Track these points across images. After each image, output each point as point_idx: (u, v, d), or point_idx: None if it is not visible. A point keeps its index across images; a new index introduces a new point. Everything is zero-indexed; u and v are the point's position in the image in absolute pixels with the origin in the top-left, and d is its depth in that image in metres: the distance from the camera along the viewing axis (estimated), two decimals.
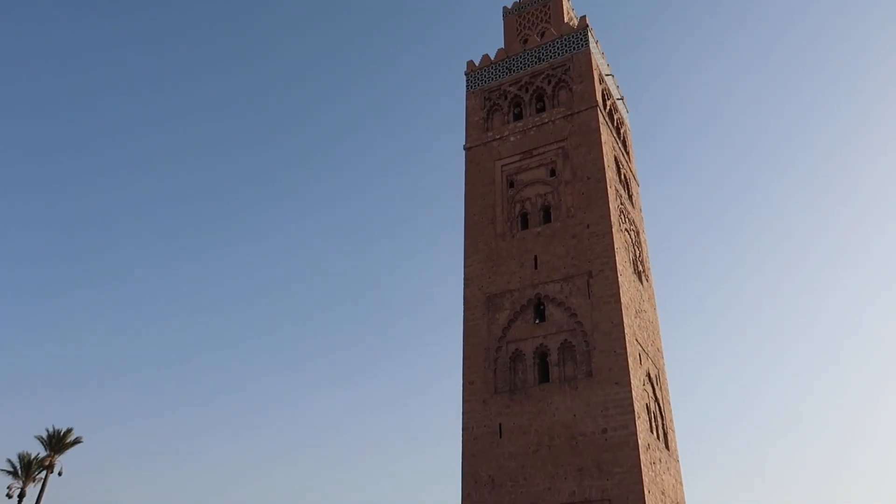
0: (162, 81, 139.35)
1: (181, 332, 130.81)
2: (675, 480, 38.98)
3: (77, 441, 51.14)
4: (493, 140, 46.18)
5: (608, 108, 47.02)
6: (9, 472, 48.86)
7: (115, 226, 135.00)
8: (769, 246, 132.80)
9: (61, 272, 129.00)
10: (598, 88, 45.24)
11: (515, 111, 47.02)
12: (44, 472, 49.35)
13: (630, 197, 46.22)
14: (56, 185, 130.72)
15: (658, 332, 43.95)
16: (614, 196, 41.79)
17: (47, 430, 50.56)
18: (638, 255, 43.98)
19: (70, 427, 52.03)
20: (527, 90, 46.95)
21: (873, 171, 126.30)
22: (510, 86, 47.81)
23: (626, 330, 36.70)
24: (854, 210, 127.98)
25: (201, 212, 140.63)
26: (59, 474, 49.25)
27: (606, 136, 43.98)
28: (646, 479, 33.24)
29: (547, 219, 41.83)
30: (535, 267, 40.36)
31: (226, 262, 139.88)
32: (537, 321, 39.18)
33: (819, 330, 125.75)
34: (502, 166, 44.95)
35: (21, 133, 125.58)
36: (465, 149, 47.23)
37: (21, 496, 48.07)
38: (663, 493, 35.83)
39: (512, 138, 45.57)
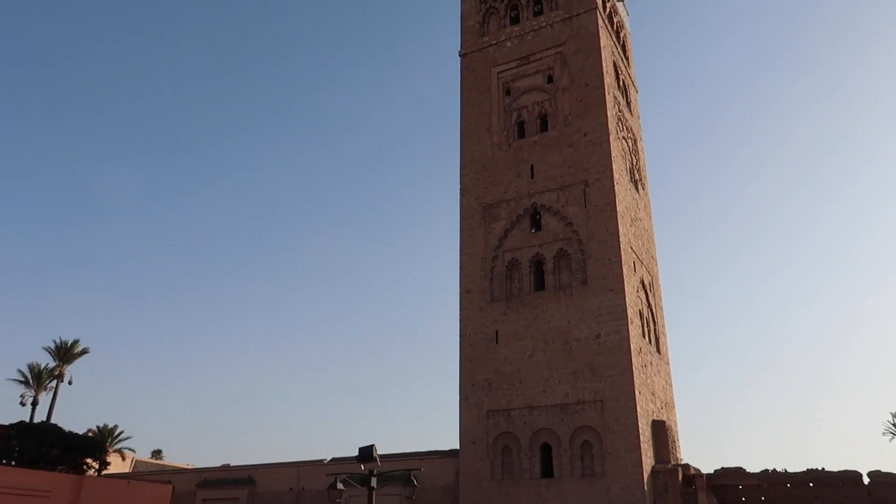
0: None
1: (183, 251, 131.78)
2: (665, 382, 40.42)
3: (84, 352, 52.50)
4: (490, 46, 44.89)
5: (608, 10, 45.44)
6: (21, 382, 50.36)
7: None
8: (769, 155, 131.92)
9: (67, 192, 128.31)
10: None
11: (512, 14, 45.45)
12: (54, 382, 50.91)
13: (628, 104, 45.45)
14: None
15: (653, 239, 44.37)
16: (612, 103, 41.10)
17: (54, 342, 51.80)
18: (635, 164, 43.75)
19: (76, 338, 53.29)
20: None
21: (890, 86, 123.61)
22: None
23: (622, 238, 37.05)
24: (871, 122, 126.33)
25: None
26: (70, 383, 50.89)
27: (605, 40, 42.74)
28: (637, 381, 34.48)
29: (544, 127, 41.31)
30: (532, 176, 40.23)
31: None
32: (533, 230, 39.46)
33: (815, 239, 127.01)
34: (499, 73, 43.92)
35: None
36: (460, 55, 45.98)
37: (34, 404, 49.80)
38: (653, 394, 37.25)
39: (508, 43, 44.29)
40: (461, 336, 39.06)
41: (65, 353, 51.69)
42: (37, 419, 47.59)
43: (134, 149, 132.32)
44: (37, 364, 51.28)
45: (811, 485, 32.52)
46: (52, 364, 51.11)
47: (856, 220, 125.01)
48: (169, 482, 44.58)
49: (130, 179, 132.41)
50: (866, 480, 31.75)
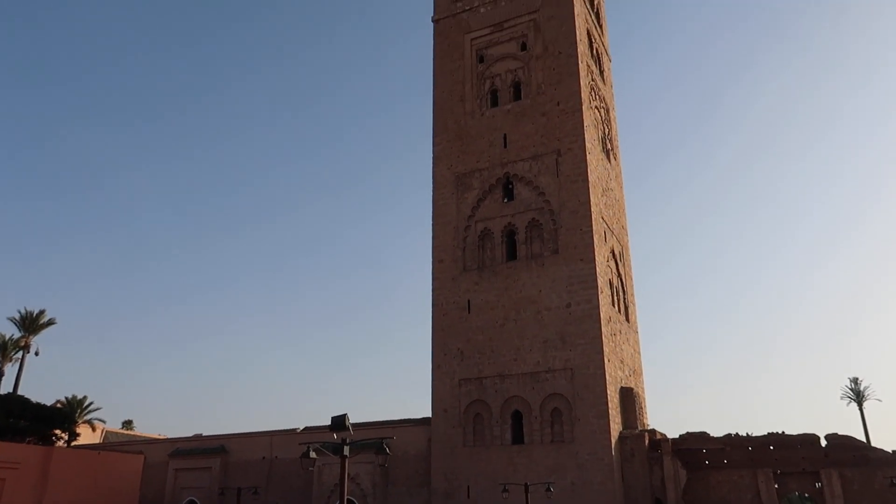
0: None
1: (152, 221, 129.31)
2: (634, 350, 41.17)
3: (50, 322, 51.40)
4: (463, 11, 44.25)
5: None
6: None
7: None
8: (741, 124, 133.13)
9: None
10: None
11: None
12: (20, 353, 49.91)
13: (601, 72, 45.35)
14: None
15: (623, 209, 44.73)
16: (585, 72, 40.97)
17: (19, 312, 50.66)
18: (607, 133, 43.85)
19: (42, 308, 52.19)
20: None
21: (867, 39, 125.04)
22: None
23: (593, 208, 37.28)
24: (832, 89, 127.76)
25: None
26: (36, 354, 49.90)
27: (580, 7, 42.42)
28: (606, 349, 35.06)
29: (517, 95, 41.09)
30: (505, 145, 40.12)
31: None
32: (506, 200, 39.49)
33: (776, 209, 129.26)
34: (472, 40, 43.41)
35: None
36: (433, 21, 45.30)
37: (0, 375, 48.89)
38: (622, 362, 37.94)
39: (482, 10, 43.70)
40: (434, 305, 39.20)
41: (31, 323, 50.62)
42: (2, 391, 46.74)
43: (103, 115, 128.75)
44: (1, 335, 50.21)
45: (771, 447, 33.61)
46: (17, 335, 50.06)
47: (814, 190, 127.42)
48: (140, 452, 44.41)
49: (97, 145, 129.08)
50: (823, 443, 32.92)
